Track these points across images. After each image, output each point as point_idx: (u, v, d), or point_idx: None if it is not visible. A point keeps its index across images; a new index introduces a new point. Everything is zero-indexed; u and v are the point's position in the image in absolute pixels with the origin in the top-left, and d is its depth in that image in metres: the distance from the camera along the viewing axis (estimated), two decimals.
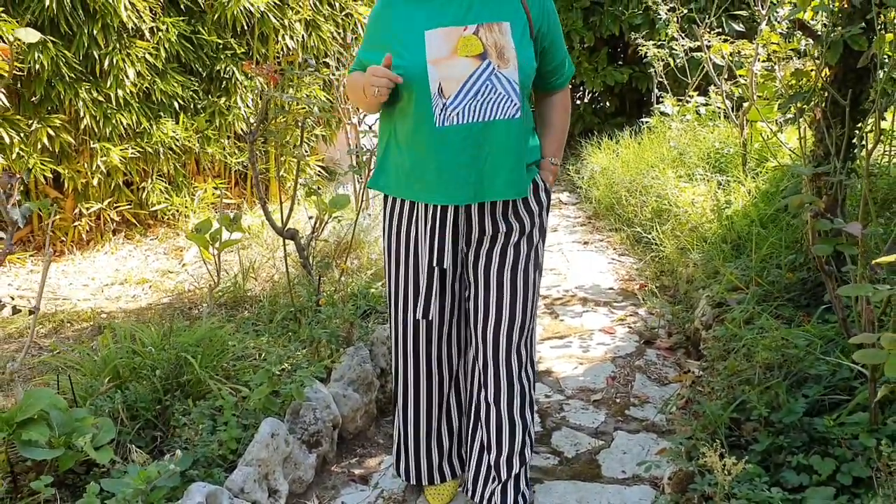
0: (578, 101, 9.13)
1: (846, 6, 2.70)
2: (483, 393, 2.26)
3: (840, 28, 2.67)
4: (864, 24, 2.61)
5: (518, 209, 2.15)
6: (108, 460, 2.17)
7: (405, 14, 2.03)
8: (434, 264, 2.17)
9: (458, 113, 1.98)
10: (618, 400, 3.12)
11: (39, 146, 4.69)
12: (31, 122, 4.68)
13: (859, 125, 2.83)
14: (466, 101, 1.98)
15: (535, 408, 2.34)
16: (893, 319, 2.06)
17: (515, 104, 2.01)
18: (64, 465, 2.18)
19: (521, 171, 2.08)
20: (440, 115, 1.98)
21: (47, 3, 4.46)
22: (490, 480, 2.31)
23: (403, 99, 2.04)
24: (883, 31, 2.42)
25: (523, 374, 2.24)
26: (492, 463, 2.29)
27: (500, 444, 2.26)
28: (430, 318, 2.24)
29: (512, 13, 2.02)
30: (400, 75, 1.96)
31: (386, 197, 2.24)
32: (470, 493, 2.38)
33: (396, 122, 2.11)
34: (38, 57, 4.47)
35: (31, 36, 2.21)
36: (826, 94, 2.81)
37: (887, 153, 3.38)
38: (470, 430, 2.39)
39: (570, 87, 2.32)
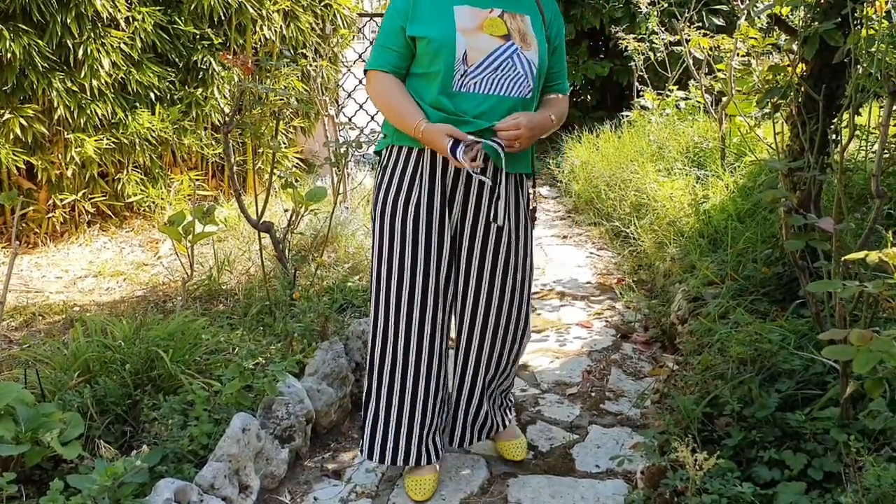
0: None
1: (822, 1, 2.70)
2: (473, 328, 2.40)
3: (816, 23, 2.66)
4: (839, 19, 2.61)
5: (513, 186, 2.27)
6: (75, 456, 2.14)
7: None
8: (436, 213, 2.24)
9: (475, 82, 2.12)
10: (593, 394, 3.12)
11: (12, 136, 4.61)
12: (2, 111, 4.59)
13: (835, 120, 2.83)
14: (486, 73, 2.11)
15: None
16: (865, 315, 2.07)
17: (530, 85, 2.16)
18: (30, 461, 2.14)
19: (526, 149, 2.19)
20: (459, 80, 2.11)
21: None
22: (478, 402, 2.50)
23: (430, 64, 2.12)
24: (857, 27, 2.42)
25: (521, 322, 2.43)
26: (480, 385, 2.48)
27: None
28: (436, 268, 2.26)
29: (531, 9, 2.20)
30: (431, 41, 2.08)
31: (387, 155, 2.28)
32: (457, 439, 2.52)
33: (418, 86, 2.18)
34: (10, 45, 4.39)
35: None
36: (802, 90, 2.81)
37: (863, 148, 3.39)
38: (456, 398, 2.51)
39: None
